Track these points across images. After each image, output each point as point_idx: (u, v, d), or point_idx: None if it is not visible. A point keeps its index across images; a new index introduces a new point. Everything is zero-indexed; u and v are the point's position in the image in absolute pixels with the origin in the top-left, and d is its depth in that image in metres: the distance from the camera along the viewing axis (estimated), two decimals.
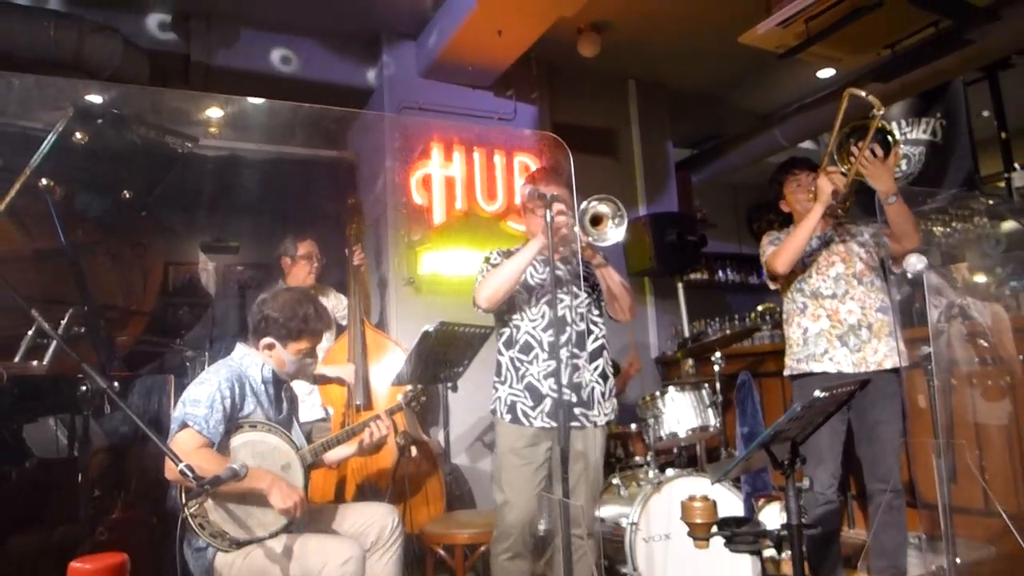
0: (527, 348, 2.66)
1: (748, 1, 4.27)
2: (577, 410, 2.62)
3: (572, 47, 4.82)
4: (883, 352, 2.87)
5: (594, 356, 2.70)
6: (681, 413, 3.53)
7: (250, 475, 2.17)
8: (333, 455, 2.75)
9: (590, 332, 2.71)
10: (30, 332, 2.76)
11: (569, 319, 2.68)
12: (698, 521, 2.15)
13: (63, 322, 2.75)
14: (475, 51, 4.47)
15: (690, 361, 4.76)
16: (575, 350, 2.66)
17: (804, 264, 3.01)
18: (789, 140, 6.00)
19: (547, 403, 2.60)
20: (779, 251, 2.96)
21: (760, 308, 5.74)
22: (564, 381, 2.58)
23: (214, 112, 4.79)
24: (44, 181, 2.72)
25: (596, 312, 2.76)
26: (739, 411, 3.26)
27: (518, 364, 2.67)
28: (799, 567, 1.98)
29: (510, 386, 2.67)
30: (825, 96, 5.61)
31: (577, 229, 2.43)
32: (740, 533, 2.13)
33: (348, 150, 5.19)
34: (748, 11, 4.22)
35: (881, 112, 2.80)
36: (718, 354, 3.85)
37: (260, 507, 2.34)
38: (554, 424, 2.57)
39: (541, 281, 2.71)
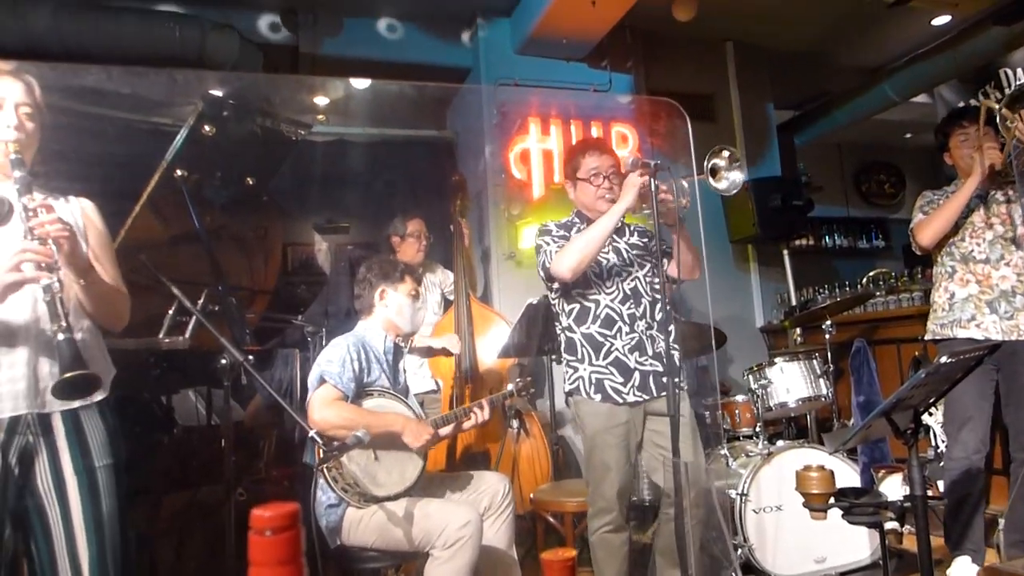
0: (609, 322, 2.61)
1: None
2: (664, 378, 2.56)
3: (667, 12, 4.71)
4: None
5: (664, 325, 2.67)
6: (791, 383, 3.47)
7: (384, 418, 2.45)
8: (444, 430, 2.88)
9: (657, 302, 2.66)
10: (171, 311, 3.02)
11: (642, 290, 2.67)
12: (815, 491, 2.10)
13: (200, 301, 2.98)
14: (569, 23, 4.46)
15: (798, 330, 4.63)
16: (650, 320, 2.64)
17: (956, 226, 2.85)
18: (901, 95, 5.68)
19: (636, 376, 2.58)
20: (926, 223, 2.84)
21: (872, 273, 5.50)
22: (650, 352, 2.60)
23: (322, 100, 5.02)
24: (179, 172, 2.94)
25: (657, 282, 2.70)
26: (854, 380, 3.16)
27: (600, 339, 2.61)
28: (924, 540, 1.92)
29: (591, 363, 2.61)
30: (941, 44, 5.26)
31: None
32: (859, 504, 2.08)
33: (448, 129, 5.31)
34: None
35: None
36: (828, 322, 3.74)
37: (387, 467, 2.50)
38: (646, 397, 2.57)
39: (607, 255, 2.68)
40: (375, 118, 4.76)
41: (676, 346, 2.64)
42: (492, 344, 3.76)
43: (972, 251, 2.83)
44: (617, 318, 2.62)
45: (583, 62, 4.93)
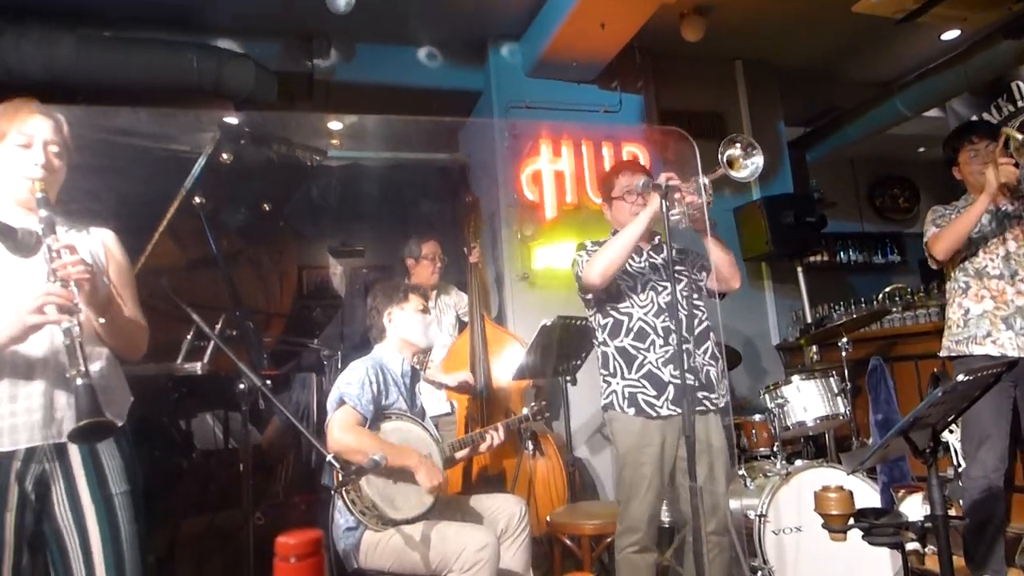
0: (642, 335, 2.62)
1: None
2: (700, 394, 2.57)
3: (675, 32, 4.75)
4: None
5: (702, 339, 2.65)
6: (808, 401, 3.44)
7: (400, 453, 2.45)
8: (459, 454, 2.90)
9: (694, 315, 2.67)
10: (189, 336, 3.06)
11: (677, 304, 2.67)
12: (834, 512, 2.09)
13: (217, 326, 3.02)
14: (578, 46, 4.50)
15: (814, 347, 4.61)
16: (686, 334, 2.62)
17: (970, 241, 2.84)
18: (912, 109, 5.68)
19: (670, 390, 2.56)
20: (940, 236, 2.83)
21: (888, 289, 5.46)
22: (684, 366, 2.59)
23: (336, 125, 5.09)
24: (197, 200, 3.00)
25: (696, 296, 2.72)
26: (872, 398, 3.13)
27: (633, 352, 2.61)
28: (947, 561, 1.90)
29: (623, 376, 2.61)
30: (951, 59, 5.26)
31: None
32: (880, 525, 2.06)
33: (460, 152, 5.36)
34: None
35: None
36: (844, 339, 3.72)
37: (404, 491, 2.51)
38: (679, 411, 2.53)
39: (641, 268, 2.71)
40: (388, 142, 4.82)
41: (712, 362, 2.64)
42: (507, 365, 3.77)
43: (986, 266, 2.81)
44: (650, 331, 2.62)
45: (593, 83, 4.97)
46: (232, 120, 3.30)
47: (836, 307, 5.30)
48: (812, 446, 4.01)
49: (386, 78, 4.84)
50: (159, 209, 3.17)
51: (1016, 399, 2.77)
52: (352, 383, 2.55)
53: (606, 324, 2.70)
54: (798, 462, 3.31)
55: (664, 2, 4.04)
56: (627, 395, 2.60)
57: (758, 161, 2.32)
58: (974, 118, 5.78)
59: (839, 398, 3.48)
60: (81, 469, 1.74)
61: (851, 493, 2.10)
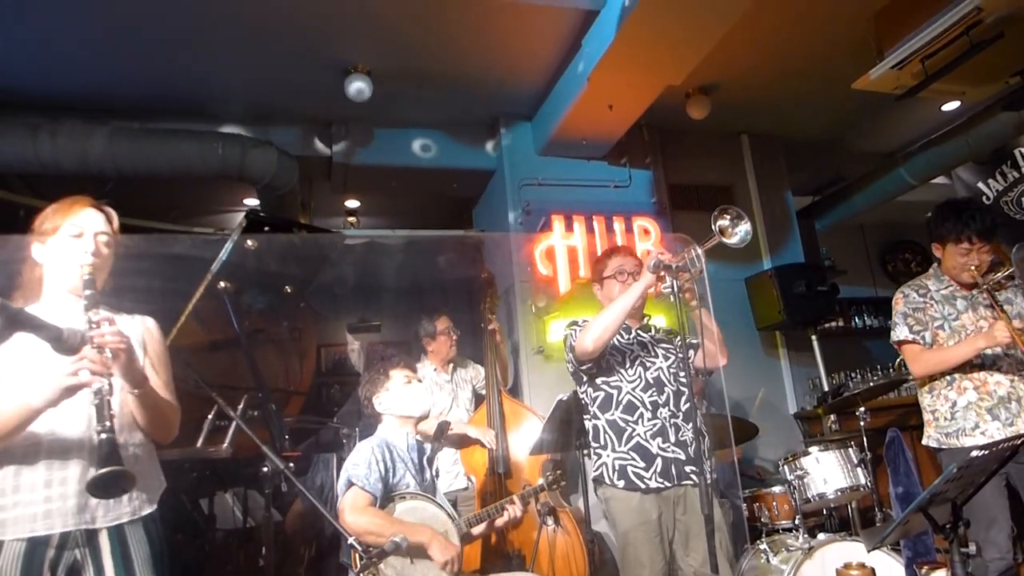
0: (631, 408, 2.68)
1: (855, 46, 4.25)
2: (687, 468, 2.62)
3: (682, 110, 4.93)
4: None
5: (689, 415, 2.69)
6: (828, 473, 3.42)
7: (412, 529, 2.46)
8: (476, 529, 2.89)
9: (681, 392, 2.72)
10: (210, 416, 3.10)
11: (664, 379, 2.73)
12: None
13: (239, 407, 3.06)
14: (588, 126, 4.67)
15: (832, 416, 4.57)
16: (673, 409, 2.68)
17: (951, 329, 2.85)
18: (917, 178, 5.76)
19: (659, 463, 2.61)
20: (923, 362, 2.85)
21: None
22: (672, 439, 2.64)
23: (353, 203, 5.26)
24: (222, 284, 3.10)
25: (683, 374, 2.76)
26: (891, 470, 3.09)
27: (622, 425, 2.68)
28: None
29: (614, 449, 2.67)
30: (953, 129, 5.39)
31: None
32: None
33: (474, 228, 5.50)
34: (857, 55, 4.19)
35: None
36: (862, 408, 3.71)
37: (422, 570, 2.51)
38: (668, 484, 2.59)
39: (629, 344, 2.78)
40: (404, 220, 4.95)
41: (699, 437, 2.64)
42: (524, 439, 3.78)
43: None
44: (639, 404, 2.69)
45: (603, 160, 5.13)
46: (255, 204, 3.44)
47: (853, 375, 5.29)
48: (835, 518, 3.94)
49: (403, 160, 5.04)
50: (184, 292, 3.27)
51: (1010, 481, 2.74)
52: (359, 464, 2.60)
53: (596, 397, 2.77)
54: (821, 535, 3.26)
55: (670, 84, 4.22)
56: (617, 467, 2.65)
57: (746, 227, 2.41)
58: (979, 185, 5.87)
59: (859, 469, 3.45)
60: (110, 558, 1.76)
61: (873, 570, 2.09)
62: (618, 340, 2.77)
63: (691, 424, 2.68)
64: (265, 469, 2.46)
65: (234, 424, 2.92)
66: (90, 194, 2.01)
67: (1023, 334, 2.61)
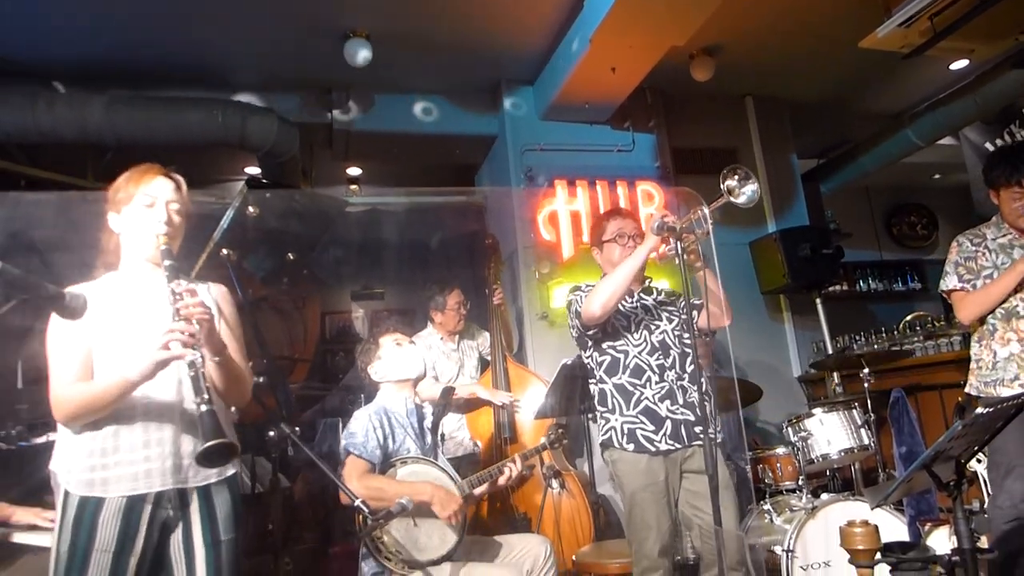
0: (638, 372, 2.68)
1: (862, 4, 4.16)
2: (697, 428, 2.62)
3: (686, 72, 4.86)
4: None
5: (694, 377, 2.69)
6: (832, 434, 3.43)
7: (412, 488, 2.47)
8: (478, 490, 2.91)
9: (686, 355, 2.72)
10: None
11: (670, 342, 2.73)
12: (860, 547, 2.08)
13: None
14: (590, 89, 4.61)
15: (836, 378, 4.59)
16: (680, 371, 2.69)
17: None
18: (924, 139, 5.69)
19: (668, 425, 2.62)
20: (968, 301, 2.81)
21: (909, 317, 5.44)
22: (680, 401, 2.64)
23: (354, 171, 5.22)
24: (224, 251, 3.10)
25: (687, 336, 2.74)
26: (895, 430, 3.11)
27: (630, 389, 2.67)
28: None
29: (622, 413, 2.67)
30: (961, 89, 5.31)
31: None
32: (907, 559, 2.05)
33: (477, 194, 5.47)
34: (864, 14, 4.10)
35: None
36: (866, 370, 3.71)
37: (427, 531, 2.54)
38: (679, 445, 2.61)
39: (633, 309, 2.77)
40: (406, 187, 4.92)
41: (706, 397, 2.65)
42: (529, 403, 3.80)
43: (1016, 307, 2.76)
44: (646, 368, 2.69)
45: (606, 124, 5.07)
46: (256, 172, 3.42)
47: (856, 338, 5.28)
48: (838, 479, 3.97)
49: (404, 126, 4.99)
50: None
51: None
52: (356, 432, 2.62)
53: (603, 362, 2.75)
54: (824, 496, 3.29)
55: (673, 45, 4.15)
56: (626, 431, 2.65)
57: (754, 187, 2.38)
58: (987, 145, 5.80)
59: (863, 430, 3.46)
60: (198, 516, 1.84)
61: (877, 527, 2.10)
62: (622, 304, 2.75)
63: (696, 385, 2.68)
64: (271, 434, 2.48)
65: None
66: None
67: None
